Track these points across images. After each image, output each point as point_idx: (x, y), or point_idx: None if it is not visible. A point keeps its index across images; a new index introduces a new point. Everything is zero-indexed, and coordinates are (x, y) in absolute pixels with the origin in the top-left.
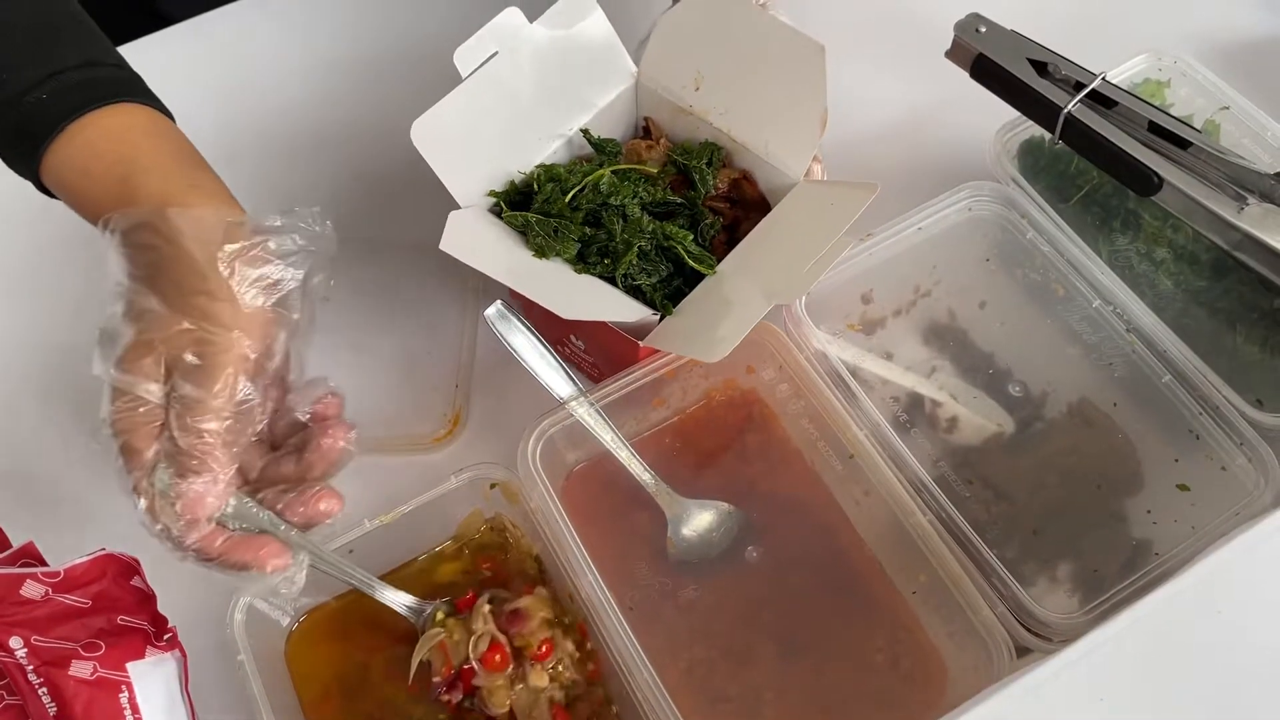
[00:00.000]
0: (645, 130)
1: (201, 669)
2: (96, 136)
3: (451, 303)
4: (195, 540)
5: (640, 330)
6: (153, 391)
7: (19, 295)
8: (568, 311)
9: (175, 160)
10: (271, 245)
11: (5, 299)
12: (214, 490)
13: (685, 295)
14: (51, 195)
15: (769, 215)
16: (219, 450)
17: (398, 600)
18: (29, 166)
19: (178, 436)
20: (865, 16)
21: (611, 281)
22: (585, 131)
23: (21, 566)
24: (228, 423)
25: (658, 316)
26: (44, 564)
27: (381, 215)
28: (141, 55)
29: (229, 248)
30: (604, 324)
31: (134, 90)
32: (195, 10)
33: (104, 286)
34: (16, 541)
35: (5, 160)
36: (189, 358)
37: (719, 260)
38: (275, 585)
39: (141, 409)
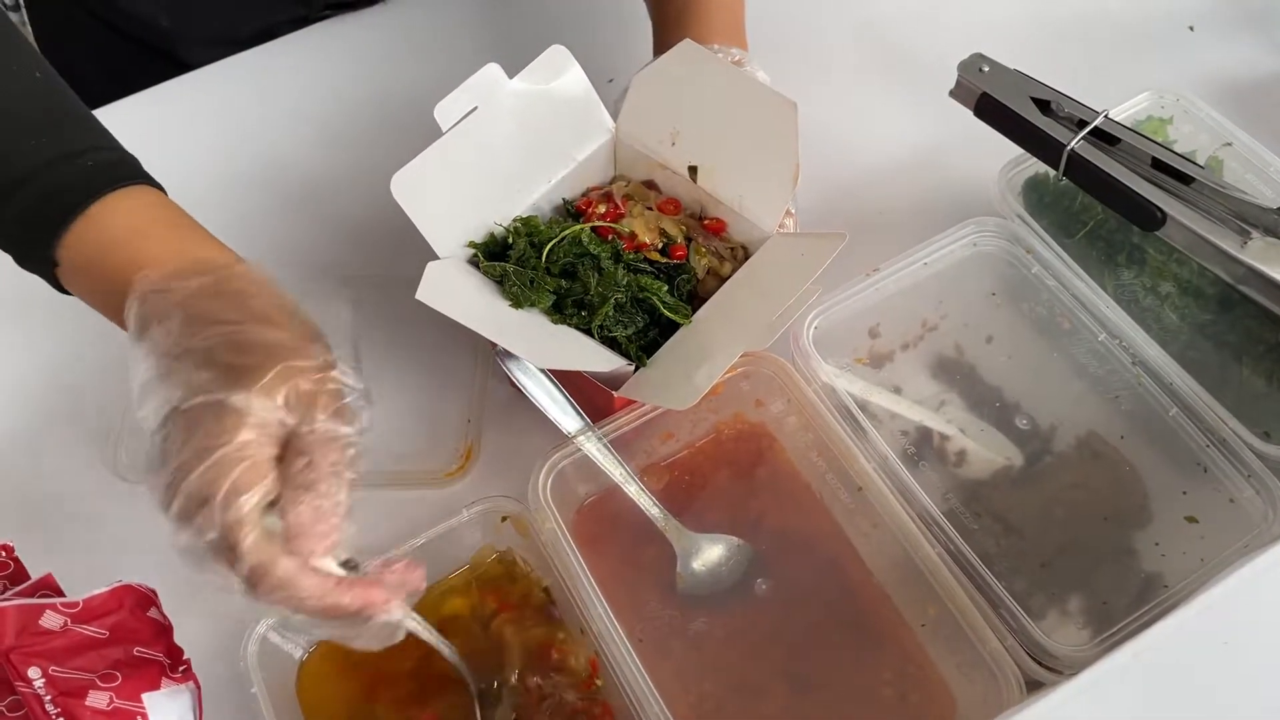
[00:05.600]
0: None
1: (216, 700)
2: (110, 224)
3: (464, 338)
4: (312, 583)
5: (615, 380)
6: (281, 421)
7: (42, 326)
8: (543, 361)
9: (181, 237)
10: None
11: (28, 329)
12: (344, 526)
13: (660, 346)
14: (63, 290)
15: (743, 267)
16: (345, 490)
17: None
18: (42, 252)
19: (321, 465)
20: (871, 58)
21: (589, 333)
22: (566, 201)
23: (40, 598)
24: (354, 458)
25: (632, 367)
26: (62, 595)
27: (398, 253)
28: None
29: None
30: (581, 374)
31: (136, 175)
32: (214, 57)
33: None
34: (35, 573)
35: (14, 251)
36: (330, 389)
37: (694, 311)
38: (381, 632)
39: (268, 438)
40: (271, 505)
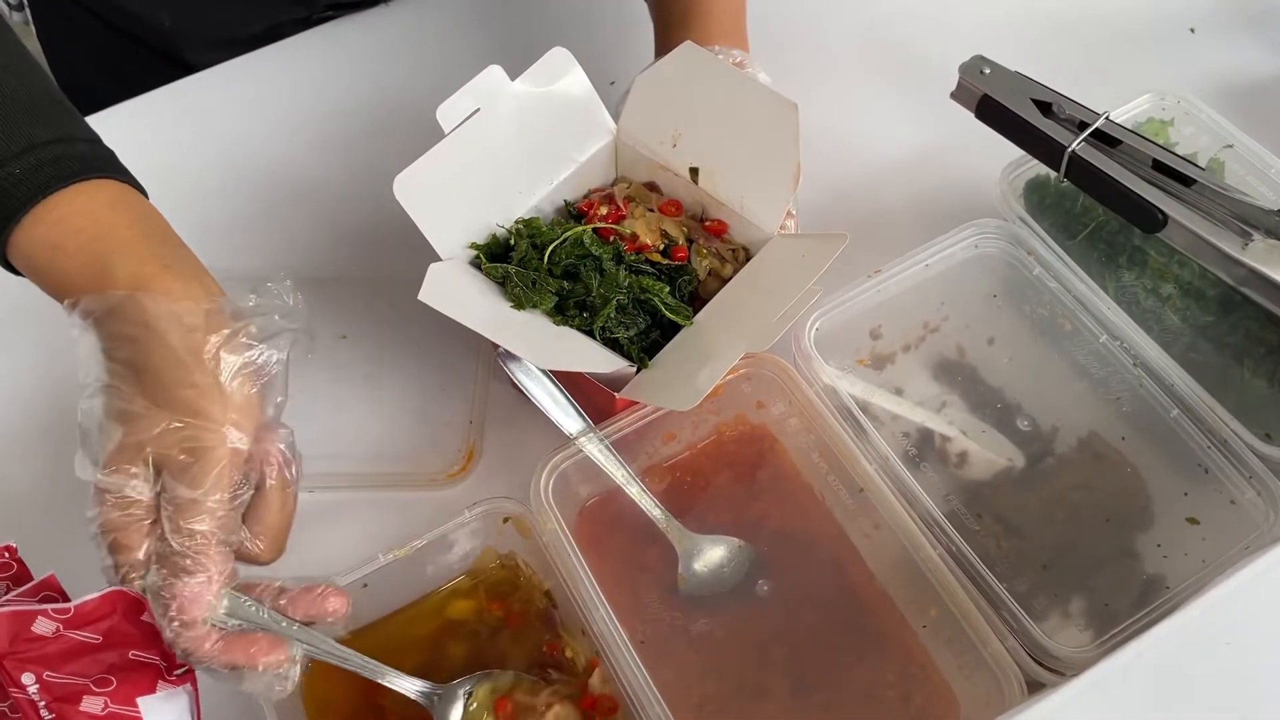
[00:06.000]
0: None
1: (217, 704)
2: (69, 213)
3: (466, 340)
4: (188, 642)
5: (616, 382)
6: (142, 491)
7: (45, 327)
8: (544, 362)
9: (148, 238)
10: (254, 329)
11: (31, 330)
12: (209, 590)
13: (662, 347)
14: (15, 272)
15: (744, 268)
16: (213, 549)
17: (409, 687)
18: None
19: (171, 539)
20: (872, 59)
21: (591, 334)
22: (568, 203)
23: (42, 601)
24: (222, 520)
25: (634, 369)
26: (65, 597)
27: (400, 254)
28: (165, 101)
29: (214, 339)
30: (582, 375)
31: (107, 167)
32: (216, 58)
33: (77, 375)
34: (38, 574)
35: None
36: (180, 457)
37: (695, 312)
38: (269, 683)
39: (131, 509)
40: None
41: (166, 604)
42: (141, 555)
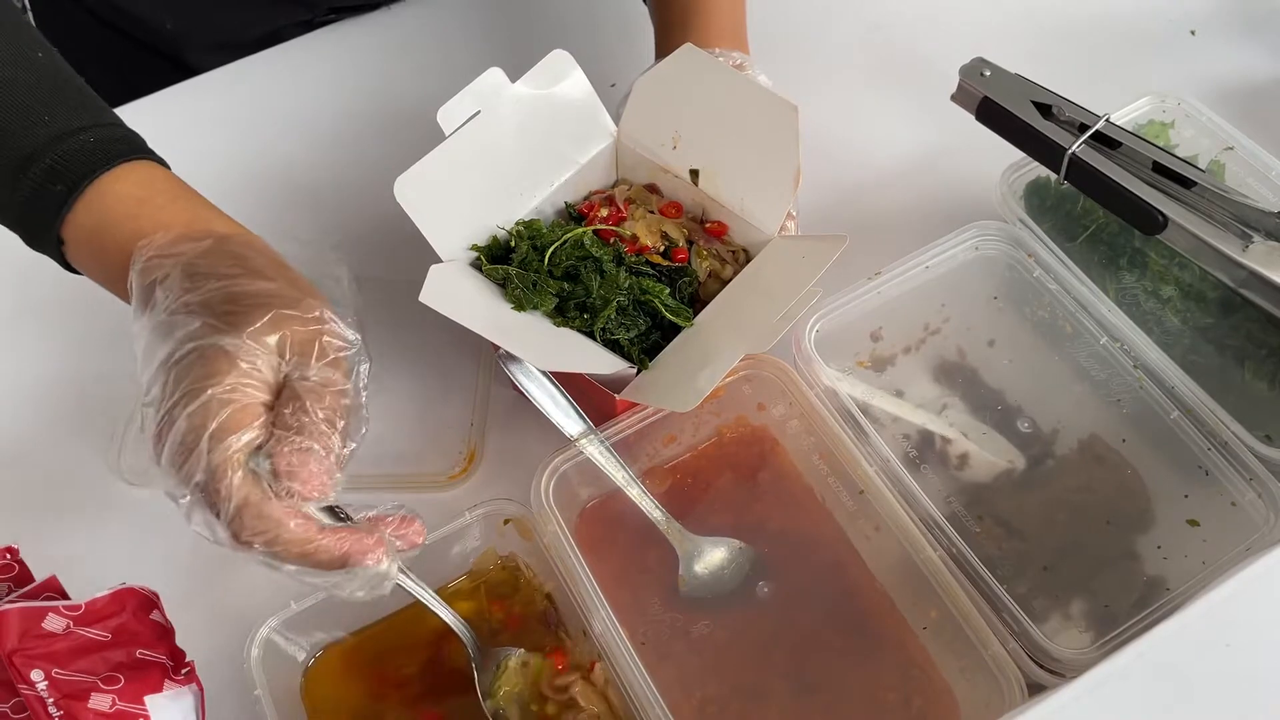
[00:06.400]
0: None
1: (219, 703)
2: (151, 176)
3: (467, 341)
4: (301, 528)
5: (617, 383)
6: (274, 368)
7: (47, 328)
8: (545, 364)
9: (207, 207)
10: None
11: (34, 331)
12: (330, 473)
13: (663, 348)
14: (73, 270)
15: (745, 270)
16: (338, 434)
17: (460, 626)
18: (51, 230)
19: (311, 409)
20: (872, 61)
21: (591, 335)
22: (569, 205)
23: (44, 600)
24: (347, 408)
25: (635, 370)
26: (66, 597)
27: (401, 256)
28: (168, 104)
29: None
30: (583, 376)
31: (141, 147)
32: (218, 61)
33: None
34: (40, 575)
35: (23, 230)
36: (326, 339)
37: (695, 314)
38: (372, 581)
39: (259, 382)
40: (261, 449)
41: (290, 477)
42: (249, 437)
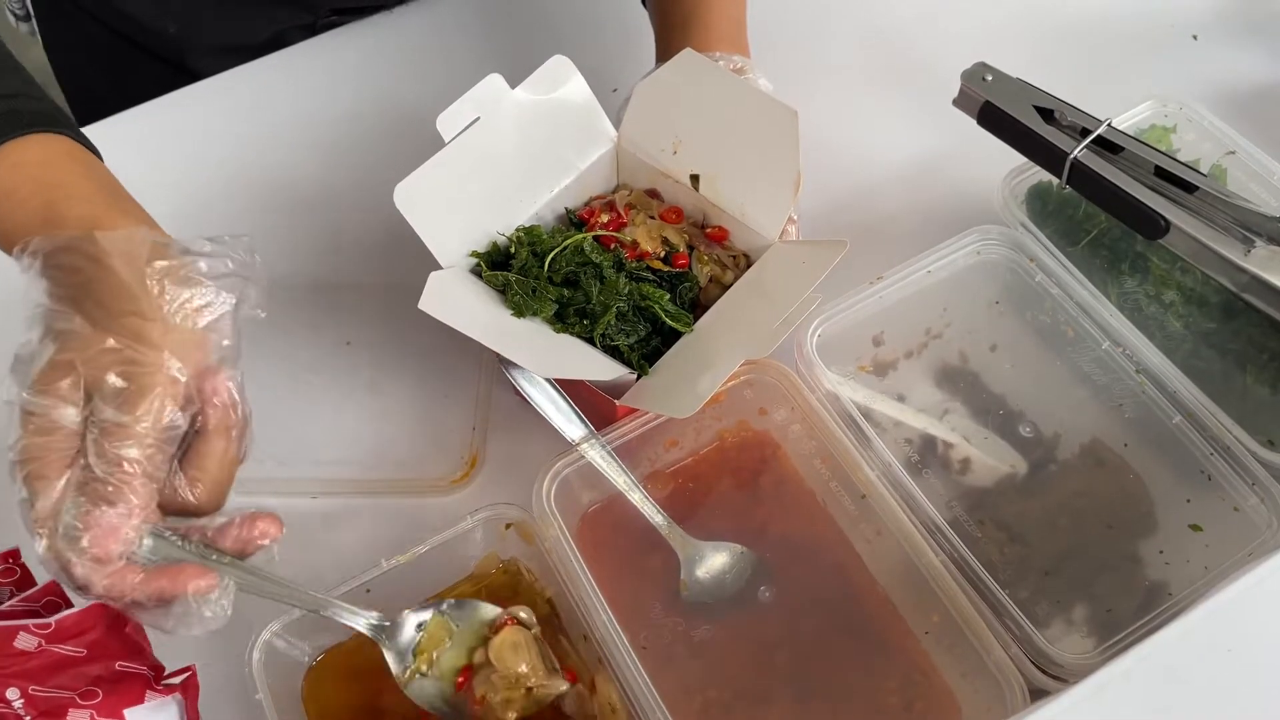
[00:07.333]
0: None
1: (220, 707)
2: (22, 161)
3: (468, 347)
4: (105, 578)
5: (616, 389)
6: (68, 416)
7: None
8: (545, 370)
9: (100, 188)
10: (202, 266)
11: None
12: (129, 523)
13: (663, 354)
14: None
15: (745, 275)
16: (138, 481)
17: (358, 621)
18: None
19: (94, 463)
20: (873, 66)
21: (591, 341)
22: (569, 211)
23: (44, 607)
24: (150, 451)
25: (635, 376)
26: (68, 603)
27: (401, 262)
28: (170, 108)
29: (159, 264)
30: (583, 382)
31: (57, 122)
32: (221, 66)
33: (22, 313)
34: (41, 578)
35: None
36: (113, 379)
37: (696, 319)
38: (202, 615)
39: (55, 435)
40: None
41: (78, 536)
42: (60, 487)
